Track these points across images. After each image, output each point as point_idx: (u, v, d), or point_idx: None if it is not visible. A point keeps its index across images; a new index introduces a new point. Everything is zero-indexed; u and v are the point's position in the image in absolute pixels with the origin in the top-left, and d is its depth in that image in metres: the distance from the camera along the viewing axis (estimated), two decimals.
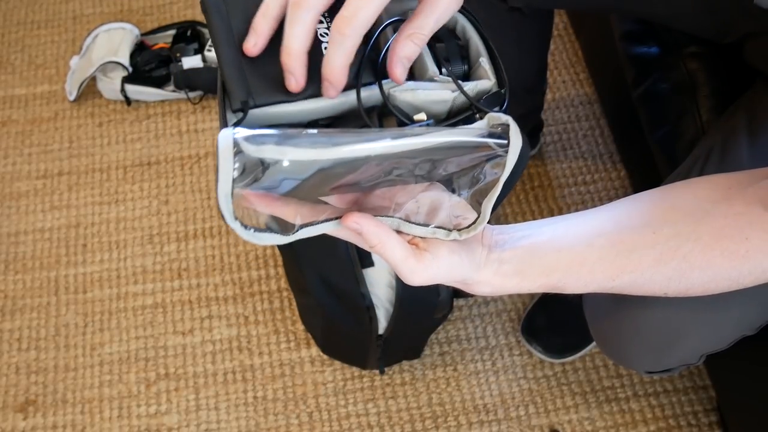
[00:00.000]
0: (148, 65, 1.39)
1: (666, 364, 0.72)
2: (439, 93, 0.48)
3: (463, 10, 0.51)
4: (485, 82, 0.50)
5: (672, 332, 0.66)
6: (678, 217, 0.50)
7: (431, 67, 0.49)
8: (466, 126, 0.46)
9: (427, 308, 0.98)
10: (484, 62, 0.50)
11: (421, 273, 0.46)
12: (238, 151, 0.38)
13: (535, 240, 0.50)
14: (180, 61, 1.38)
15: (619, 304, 0.68)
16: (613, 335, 0.71)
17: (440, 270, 0.46)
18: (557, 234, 0.50)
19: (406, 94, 0.48)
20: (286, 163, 0.39)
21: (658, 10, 0.83)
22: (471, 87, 0.49)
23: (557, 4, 0.99)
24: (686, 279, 0.50)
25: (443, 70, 0.50)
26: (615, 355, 0.74)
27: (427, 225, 0.47)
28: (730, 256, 0.49)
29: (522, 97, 1.14)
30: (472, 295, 1.13)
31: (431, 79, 0.49)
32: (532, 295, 1.18)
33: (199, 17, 1.52)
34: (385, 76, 0.47)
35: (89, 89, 1.44)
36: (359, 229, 0.44)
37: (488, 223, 0.48)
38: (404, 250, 0.45)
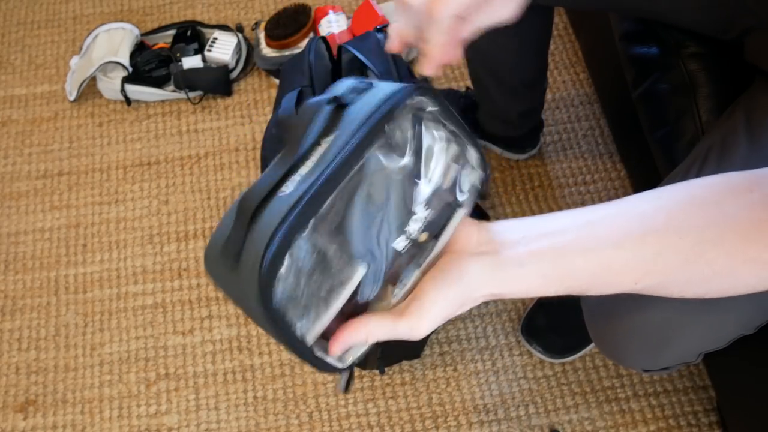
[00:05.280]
0: (148, 65, 1.39)
1: (664, 362, 0.72)
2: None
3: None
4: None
5: (670, 331, 0.66)
6: (702, 223, 0.49)
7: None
8: None
9: None
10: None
11: (420, 322, 0.46)
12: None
13: (559, 241, 0.49)
14: (180, 61, 1.38)
15: (617, 304, 0.68)
16: (611, 334, 0.71)
17: (434, 310, 0.46)
18: (581, 235, 0.49)
19: None
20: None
21: (659, 6, 0.83)
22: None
23: (556, 1, 0.98)
24: (706, 284, 0.50)
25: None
26: (613, 354, 0.74)
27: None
28: (752, 263, 0.48)
29: (522, 92, 1.14)
30: None
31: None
32: None
33: (199, 17, 1.53)
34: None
35: (89, 89, 1.44)
36: (346, 346, 0.46)
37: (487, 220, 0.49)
38: (389, 322, 0.46)
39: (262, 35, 1.41)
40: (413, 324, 0.46)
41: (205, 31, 1.46)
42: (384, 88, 0.46)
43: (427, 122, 0.47)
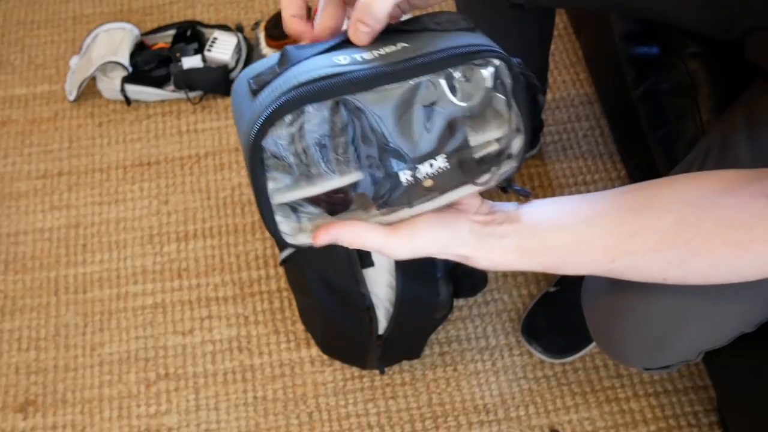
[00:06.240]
0: (148, 65, 1.39)
1: (664, 360, 0.72)
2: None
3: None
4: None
5: (671, 328, 0.66)
6: (681, 205, 0.50)
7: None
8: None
9: (426, 308, 0.98)
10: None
11: (405, 245, 0.49)
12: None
13: (537, 217, 0.51)
14: (180, 61, 1.38)
15: (618, 300, 0.68)
16: (611, 332, 0.71)
17: (422, 239, 0.49)
18: (559, 213, 0.51)
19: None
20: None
21: (660, 6, 0.83)
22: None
23: (557, 3, 0.99)
24: (686, 265, 0.50)
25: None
26: (613, 352, 0.74)
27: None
28: (732, 246, 0.49)
29: None
30: (472, 295, 1.13)
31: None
32: (531, 295, 1.18)
33: (199, 17, 1.53)
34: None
35: (89, 89, 1.44)
36: (332, 239, 0.47)
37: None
38: (382, 233, 0.48)
39: (262, 35, 1.41)
40: (402, 242, 0.48)
41: (205, 31, 1.46)
42: (481, 38, 0.47)
43: (500, 92, 0.47)
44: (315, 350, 1.15)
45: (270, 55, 0.47)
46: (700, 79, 0.85)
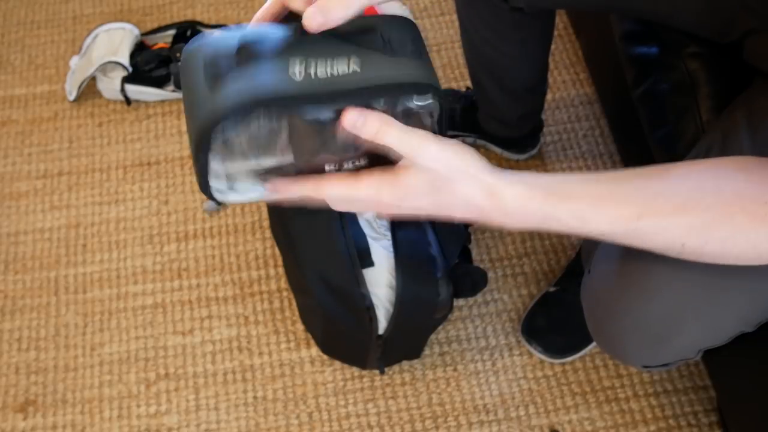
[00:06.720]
0: (148, 65, 1.39)
1: (663, 358, 0.72)
2: None
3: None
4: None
5: (670, 325, 0.66)
6: (699, 175, 0.54)
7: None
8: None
9: (427, 308, 0.98)
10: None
11: (431, 142, 0.50)
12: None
13: (559, 175, 0.54)
14: (180, 61, 1.38)
15: (618, 298, 0.68)
16: (610, 329, 0.71)
17: (448, 146, 0.51)
18: (584, 173, 0.54)
19: None
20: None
21: (660, 8, 0.83)
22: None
23: (558, 3, 0.99)
24: (706, 231, 0.52)
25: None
26: (612, 350, 0.74)
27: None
28: (749, 216, 0.51)
29: (523, 96, 1.14)
30: (472, 295, 1.13)
31: None
32: (531, 295, 1.18)
33: (199, 17, 1.53)
34: None
35: (89, 89, 1.44)
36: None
37: None
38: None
39: None
40: (425, 137, 0.51)
41: (205, 31, 1.46)
42: (424, 69, 0.52)
43: (428, 122, 0.54)
44: (315, 350, 1.15)
45: (225, 32, 0.53)
46: (700, 79, 0.85)
